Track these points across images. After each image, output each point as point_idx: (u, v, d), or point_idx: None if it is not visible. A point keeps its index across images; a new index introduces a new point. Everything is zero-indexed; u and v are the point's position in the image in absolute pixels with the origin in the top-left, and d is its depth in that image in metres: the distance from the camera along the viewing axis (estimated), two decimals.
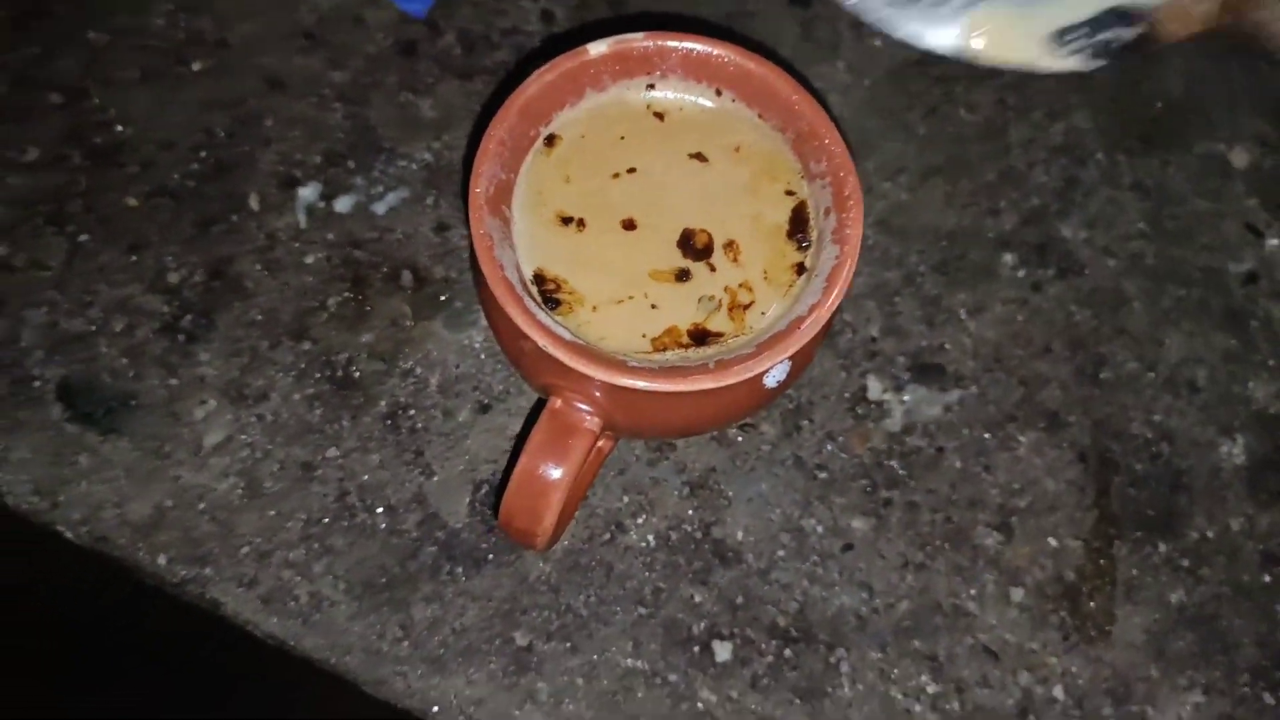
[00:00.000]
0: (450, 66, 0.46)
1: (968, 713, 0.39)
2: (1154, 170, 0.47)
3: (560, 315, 0.33)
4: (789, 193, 0.36)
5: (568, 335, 0.32)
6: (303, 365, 0.41)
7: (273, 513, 0.40)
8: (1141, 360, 0.44)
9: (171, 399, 0.40)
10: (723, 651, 0.40)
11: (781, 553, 0.41)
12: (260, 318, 0.42)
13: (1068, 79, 0.48)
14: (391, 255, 0.43)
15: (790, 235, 0.35)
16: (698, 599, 0.40)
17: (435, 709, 0.38)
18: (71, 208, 0.42)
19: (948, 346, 0.44)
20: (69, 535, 0.39)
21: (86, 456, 0.40)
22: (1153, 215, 0.46)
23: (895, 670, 0.40)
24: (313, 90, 0.45)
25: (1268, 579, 0.41)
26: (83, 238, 0.42)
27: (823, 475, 0.42)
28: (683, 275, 0.34)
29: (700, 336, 0.33)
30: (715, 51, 0.35)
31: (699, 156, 0.36)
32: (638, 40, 0.35)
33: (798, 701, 0.39)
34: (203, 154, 0.44)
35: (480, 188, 0.32)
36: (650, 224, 0.34)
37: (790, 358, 0.32)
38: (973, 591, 0.41)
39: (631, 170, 0.35)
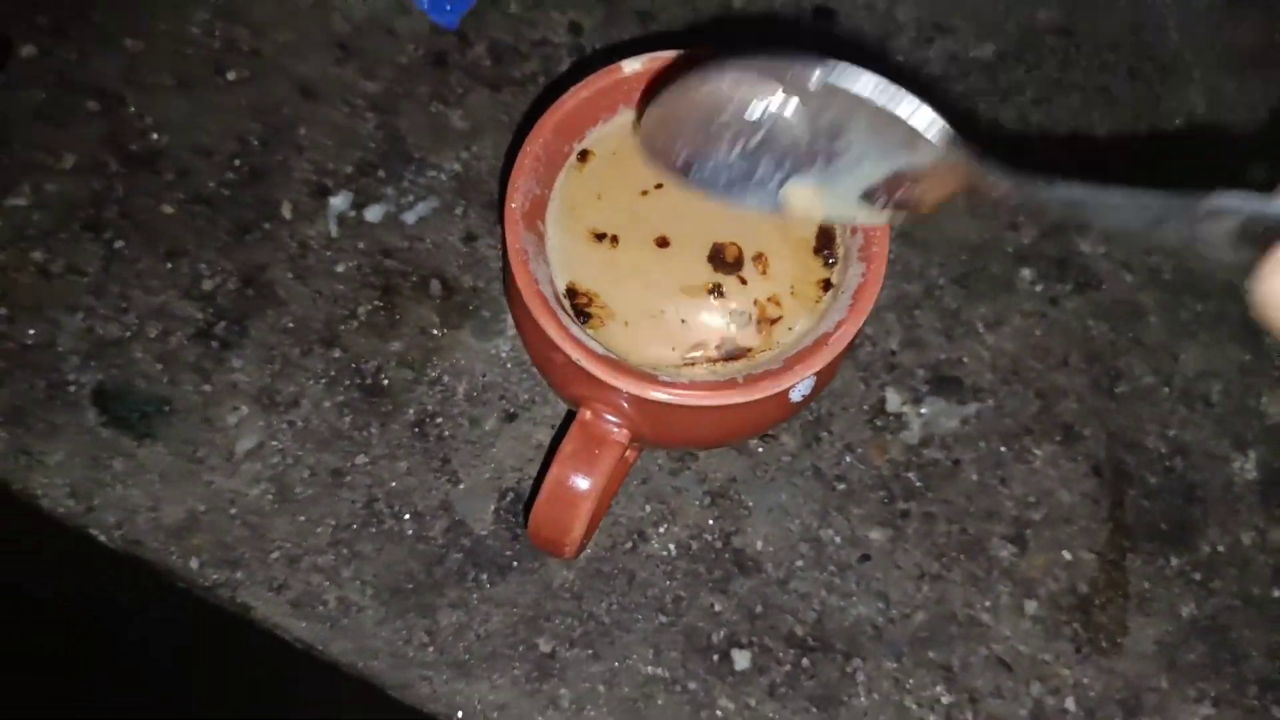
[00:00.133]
0: (480, 77, 0.47)
1: None
2: (1175, 186, 0.48)
3: (591, 329, 0.34)
4: None
5: (599, 349, 0.32)
6: (333, 373, 0.42)
7: (302, 518, 0.40)
8: (1157, 374, 0.45)
9: (205, 405, 0.41)
10: (741, 660, 0.40)
11: (800, 562, 0.42)
12: (292, 325, 0.43)
13: (1092, 96, 0.49)
14: (421, 264, 0.44)
15: (817, 251, 0.35)
16: (717, 607, 0.41)
17: (460, 714, 0.39)
18: (108, 214, 0.43)
19: (966, 360, 0.45)
20: (103, 539, 0.40)
21: (121, 461, 0.40)
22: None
23: (910, 680, 0.40)
24: (345, 100, 0.46)
25: (1278, 592, 0.42)
26: (119, 244, 0.43)
27: (841, 486, 0.43)
28: (715, 290, 0.34)
29: (730, 351, 0.34)
30: None
31: None
32: (671, 58, 0.35)
33: (814, 710, 0.40)
34: (237, 162, 0.44)
35: (515, 203, 0.33)
36: (681, 239, 0.35)
37: (816, 373, 0.33)
38: (987, 602, 0.41)
39: (659, 186, 0.36)
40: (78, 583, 0.43)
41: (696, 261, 0.35)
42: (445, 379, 0.43)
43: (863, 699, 0.40)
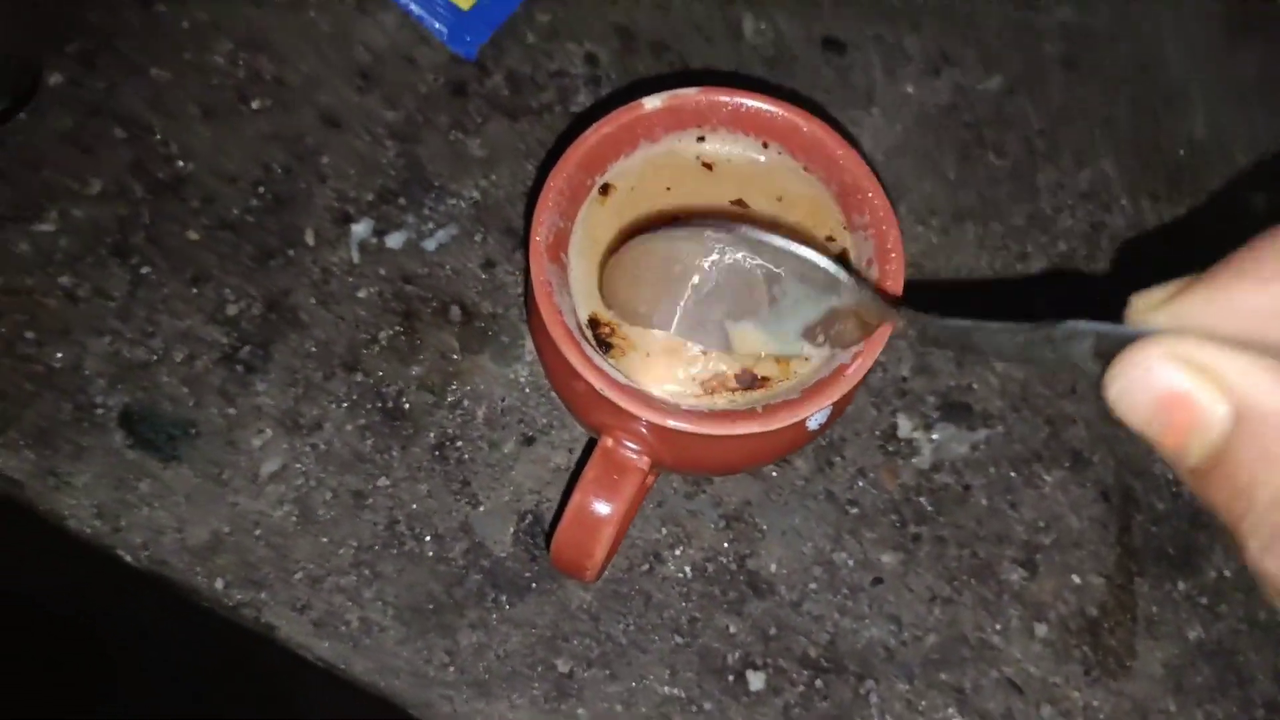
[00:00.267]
0: (498, 106, 0.48)
1: None
2: (1178, 214, 0.49)
3: (613, 358, 0.35)
4: (830, 239, 0.37)
5: (622, 379, 0.33)
6: (355, 396, 0.43)
7: (325, 539, 0.41)
8: None
9: (230, 427, 0.42)
10: (756, 681, 0.41)
11: (813, 585, 0.42)
12: (315, 349, 0.43)
13: (1097, 127, 0.50)
14: (441, 290, 0.45)
15: None
16: (732, 629, 0.41)
17: None
18: (135, 240, 0.44)
19: (976, 386, 0.45)
20: (129, 559, 0.40)
21: (148, 482, 0.41)
22: (1177, 257, 0.48)
23: (923, 701, 0.41)
24: (367, 128, 0.46)
25: None
26: (145, 269, 0.44)
27: (854, 510, 0.43)
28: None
29: (748, 381, 0.35)
30: (764, 107, 0.37)
31: (739, 203, 0.37)
32: (690, 95, 0.36)
33: None
34: (261, 189, 0.45)
35: (540, 235, 0.34)
36: None
37: (833, 404, 0.33)
38: (998, 625, 0.42)
39: (675, 218, 0.37)
40: (104, 602, 0.44)
41: None
42: (465, 403, 0.43)
43: None
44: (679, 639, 0.41)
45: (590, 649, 0.41)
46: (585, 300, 0.35)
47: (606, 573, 0.42)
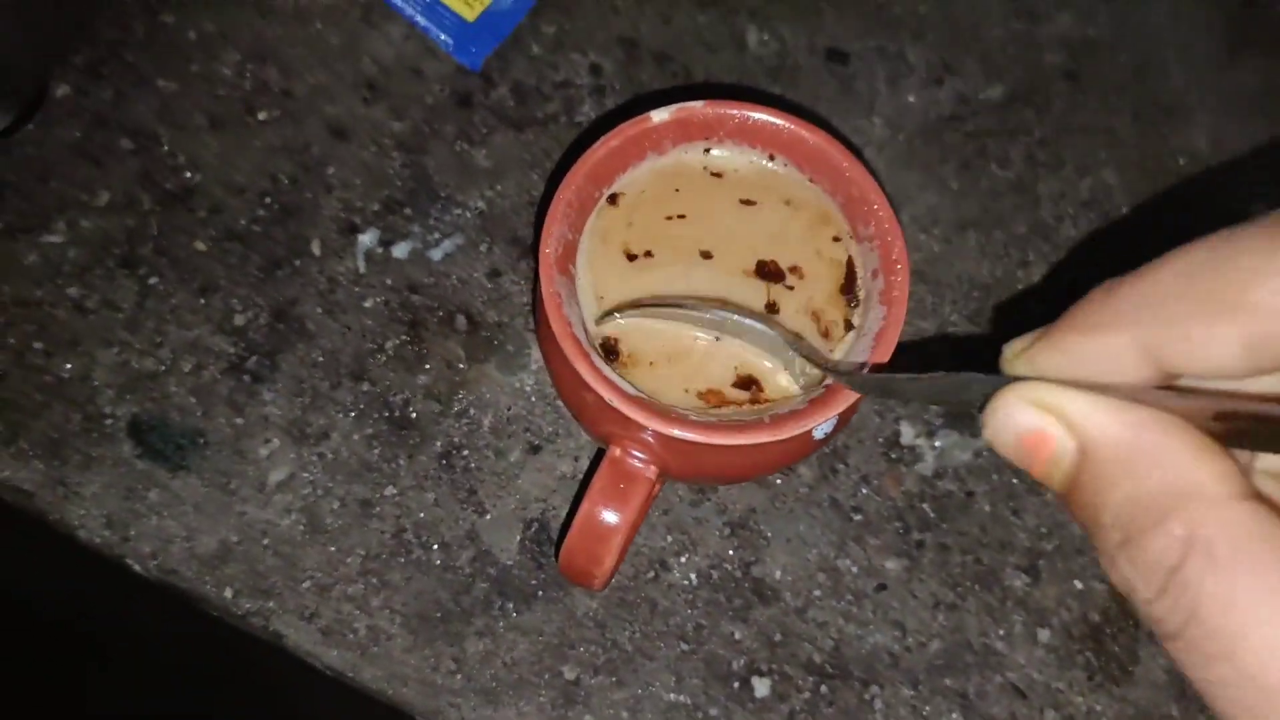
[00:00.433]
0: (504, 117, 0.48)
1: None
2: (1179, 223, 0.49)
3: (620, 367, 0.35)
4: (835, 239, 0.37)
5: (630, 389, 0.33)
6: (362, 405, 0.43)
7: (333, 548, 0.41)
8: None
9: (237, 437, 0.42)
10: (761, 687, 0.41)
11: (818, 591, 0.43)
12: (322, 359, 0.44)
13: (1098, 137, 0.50)
14: (447, 300, 0.45)
15: (842, 291, 0.37)
16: (738, 636, 0.42)
17: None
18: (143, 250, 0.44)
19: None
20: (138, 569, 0.40)
21: (157, 492, 0.41)
22: None
23: (927, 707, 0.41)
24: (373, 139, 0.47)
25: None
26: (153, 280, 0.44)
27: (858, 517, 0.44)
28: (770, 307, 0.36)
29: (745, 384, 0.35)
30: (770, 119, 0.37)
31: (748, 202, 0.38)
32: (697, 108, 0.37)
33: None
34: (268, 200, 0.45)
35: (550, 248, 0.34)
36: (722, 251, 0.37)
37: (839, 414, 0.34)
38: (1002, 631, 0.42)
39: (682, 216, 0.37)
40: (112, 611, 0.44)
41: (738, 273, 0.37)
42: (471, 412, 0.44)
43: None
44: (685, 646, 0.41)
45: (597, 656, 0.41)
46: (592, 312, 0.36)
47: (613, 580, 0.42)
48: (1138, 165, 0.50)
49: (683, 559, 0.43)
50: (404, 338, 0.44)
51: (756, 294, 0.36)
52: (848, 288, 0.37)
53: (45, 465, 0.41)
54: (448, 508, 0.42)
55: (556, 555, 0.36)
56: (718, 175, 0.38)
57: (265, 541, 0.41)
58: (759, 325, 0.35)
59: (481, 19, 0.48)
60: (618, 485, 0.35)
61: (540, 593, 0.42)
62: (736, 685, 0.41)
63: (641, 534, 0.43)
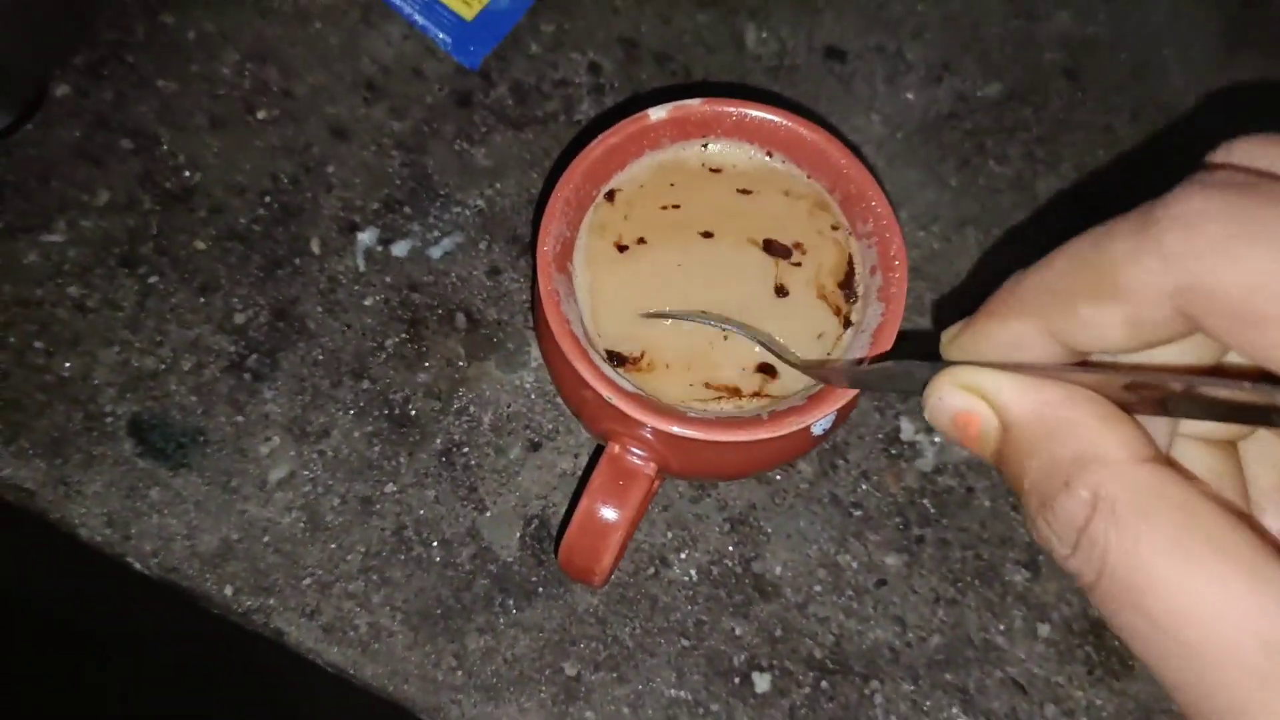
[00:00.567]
0: (503, 116, 0.48)
1: None
2: None
3: (623, 369, 0.35)
4: (835, 227, 0.37)
5: (629, 386, 0.33)
6: (362, 404, 0.43)
7: (334, 546, 0.41)
8: None
9: (238, 435, 0.42)
10: (762, 682, 0.41)
11: (818, 587, 0.43)
12: (322, 357, 0.44)
13: (1097, 135, 0.50)
14: (446, 298, 0.45)
15: (840, 286, 0.37)
16: (738, 631, 0.42)
17: None
18: (143, 250, 0.44)
19: None
20: (139, 567, 0.41)
21: (158, 490, 0.41)
22: None
23: (928, 702, 0.41)
24: (373, 139, 0.47)
25: None
26: (154, 279, 0.44)
27: (858, 513, 0.44)
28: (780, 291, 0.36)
29: (755, 389, 0.35)
30: (767, 117, 0.37)
31: (745, 191, 0.38)
32: (695, 105, 0.37)
33: None
34: (268, 199, 0.46)
35: (548, 246, 0.34)
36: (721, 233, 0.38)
37: (838, 410, 0.34)
38: (1002, 626, 0.43)
39: (677, 206, 0.37)
40: (114, 609, 0.44)
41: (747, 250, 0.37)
42: (471, 409, 0.44)
43: None
44: (685, 642, 0.42)
45: (598, 652, 0.41)
46: (589, 312, 0.36)
47: (613, 576, 0.42)
48: (1135, 163, 0.50)
49: (683, 555, 0.43)
50: (404, 336, 0.44)
51: (764, 270, 0.36)
52: (846, 283, 0.37)
53: (46, 464, 0.41)
54: (448, 505, 0.42)
55: (556, 552, 0.36)
56: (716, 170, 0.38)
57: (266, 539, 0.41)
58: (751, 336, 0.36)
59: (480, 18, 0.48)
60: (617, 482, 0.35)
61: (541, 589, 0.42)
62: (737, 681, 0.41)
63: (642, 530, 0.43)
